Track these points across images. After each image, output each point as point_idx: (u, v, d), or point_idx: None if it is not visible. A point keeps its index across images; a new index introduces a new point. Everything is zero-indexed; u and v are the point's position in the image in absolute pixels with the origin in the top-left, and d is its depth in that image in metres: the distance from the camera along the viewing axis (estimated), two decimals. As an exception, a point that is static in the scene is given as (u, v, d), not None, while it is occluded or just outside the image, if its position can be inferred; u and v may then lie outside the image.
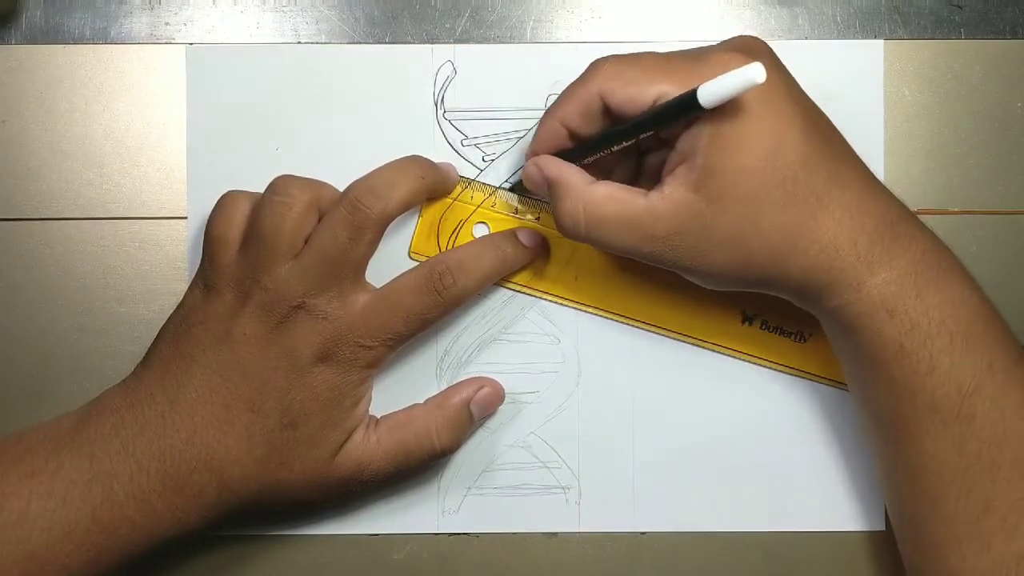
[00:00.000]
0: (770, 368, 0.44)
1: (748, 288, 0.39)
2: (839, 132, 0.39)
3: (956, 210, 0.45)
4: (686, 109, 0.36)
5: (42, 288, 0.45)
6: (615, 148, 0.39)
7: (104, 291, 0.45)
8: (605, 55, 0.39)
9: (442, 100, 0.45)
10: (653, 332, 0.45)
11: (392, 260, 0.44)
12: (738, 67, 0.34)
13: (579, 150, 0.40)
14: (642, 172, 0.42)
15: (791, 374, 0.44)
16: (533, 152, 0.41)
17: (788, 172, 0.36)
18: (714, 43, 0.39)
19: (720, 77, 0.34)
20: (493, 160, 0.45)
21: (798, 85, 0.39)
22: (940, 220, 0.45)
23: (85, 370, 0.45)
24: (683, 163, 0.37)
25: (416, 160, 0.42)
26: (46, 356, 0.45)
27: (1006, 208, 0.45)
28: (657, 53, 0.39)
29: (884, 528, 0.44)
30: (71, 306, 0.45)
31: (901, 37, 0.45)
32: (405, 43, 0.45)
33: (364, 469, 0.41)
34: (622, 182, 0.39)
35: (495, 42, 0.45)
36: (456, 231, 0.44)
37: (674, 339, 0.45)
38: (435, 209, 0.44)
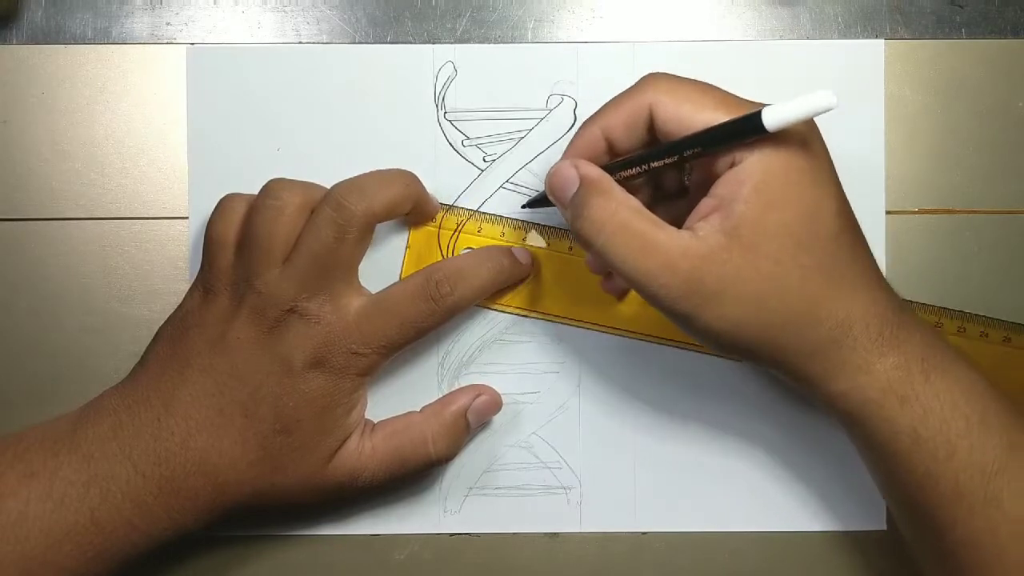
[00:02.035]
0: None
1: (748, 358, 0.38)
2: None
3: (956, 210, 0.45)
4: (748, 130, 0.35)
5: (43, 288, 0.45)
6: (655, 164, 0.38)
7: (105, 291, 0.45)
8: (657, 71, 0.38)
9: (443, 100, 0.45)
10: (655, 344, 0.45)
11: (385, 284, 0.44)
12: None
13: (614, 165, 0.39)
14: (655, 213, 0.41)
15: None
16: (567, 158, 0.40)
17: (820, 239, 0.36)
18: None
19: (790, 101, 0.34)
20: (494, 160, 0.45)
21: (834, 167, 0.38)
22: (940, 220, 0.45)
23: (86, 370, 0.44)
24: (718, 210, 0.36)
25: (402, 170, 0.42)
26: (47, 356, 0.45)
27: (1006, 208, 0.45)
28: (711, 85, 0.38)
29: (884, 528, 0.44)
30: (72, 306, 0.45)
31: (902, 37, 0.45)
32: (406, 43, 0.45)
33: (359, 476, 0.41)
34: None
35: (496, 42, 0.45)
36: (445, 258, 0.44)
37: (675, 348, 0.45)
38: (422, 238, 0.44)
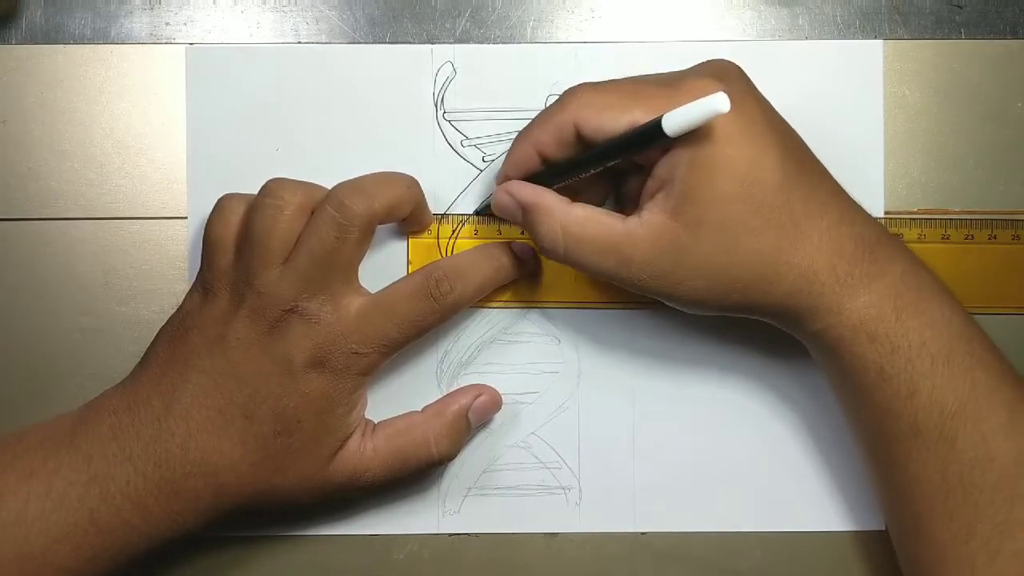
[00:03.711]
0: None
1: (729, 313, 0.39)
2: (814, 155, 0.39)
3: (956, 210, 0.45)
4: (653, 137, 0.36)
5: (42, 288, 0.45)
6: (585, 174, 0.39)
7: (104, 291, 0.45)
8: (579, 83, 0.39)
9: (442, 100, 0.45)
10: (664, 312, 0.45)
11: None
12: (706, 95, 0.34)
13: (550, 174, 0.40)
14: (620, 196, 0.42)
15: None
16: (504, 176, 0.41)
17: (764, 198, 0.37)
18: (689, 67, 0.39)
19: (684, 107, 0.35)
20: (493, 160, 0.45)
21: (773, 109, 0.39)
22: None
23: (85, 370, 0.45)
24: (661, 190, 0.37)
25: (403, 174, 0.42)
26: (46, 356, 0.45)
27: (1005, 208, 0.45)
28: (633, 79, 0.39)
29: (884, 528, 0.44)
30: (71, 306, 0.45)
31: (901, 37, 0.45)
32: (405, 43, 0.45)
33: (360, 476, 0.41)
34: (592, 204, 0.40)
35: (495, 42, 0.45)
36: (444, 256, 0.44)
37: (674, 348, 0.45)
38: (423, 248, 0.44)
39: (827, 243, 0.37)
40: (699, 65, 0.39)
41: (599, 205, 0.40)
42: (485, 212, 0.44)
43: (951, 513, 0.37)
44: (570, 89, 0.39)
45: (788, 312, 0.38)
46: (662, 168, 0.37)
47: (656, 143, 0.36)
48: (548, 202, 0.39)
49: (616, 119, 0.37)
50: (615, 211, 0.39)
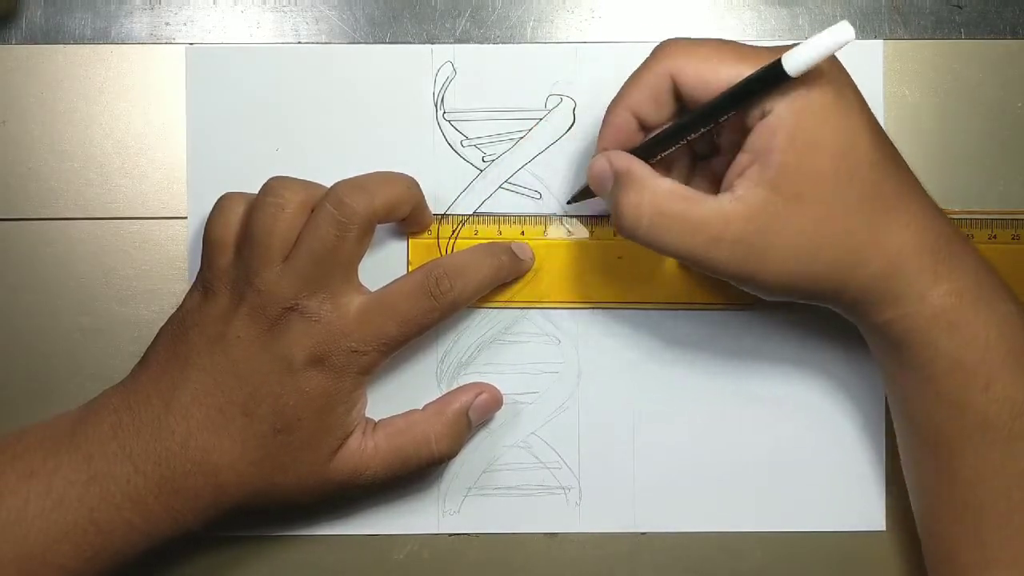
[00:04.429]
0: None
1: (803, 299, 0.38)
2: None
3: (956, 210, 0.45)
4: (773, 80, 0.35)
5: (42, 288, 0.45)
6: (692, 136, 0.37)
7: (104, 291, 0.45)
8: (670, 37, 0.38)
9: (442, 100, 0.45)
10: (664, 310, 0.45)
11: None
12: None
13: (650, 144, 0.39)
14: (693, 181, 0.41)
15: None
16: (602, 148, 0.40)
17: (860, 173, 0.36)
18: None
19: (808, 41, 0.34)
20: (493, 160, 0.45)
21: (863, 98, 0.38)
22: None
23: (85, 370, 0.45)
24: (755, 163, 0.36)
25: (403, 174, 0.42)
26: (46, 356, 0.45)
27: (1006, 208, 0.45)
28: (725, 40, 0.38)
29: (884, 528, 0.44)
30: (71, 306, 0.45)
31: (901, 37, 0.45)
32: (405, 43, 0.45)
33: (360, 475, 0.41)
34: None
35: (495, 42, 0.45)
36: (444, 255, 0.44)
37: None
38: (423, 249, 0.44)
39: (915, 229, 0.37)
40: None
41: None
42: (581, 199, 0.43)
43: (1009, 512, 0.37)
44: (662, 42, 0.38)
45: (867, 297, 0.37)
46: (757, 140, 0.36)
47: (772, 87, 0.35)
48: (637, 171, 0.38)
49: (717, 71, 0.36)
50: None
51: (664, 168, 0.39)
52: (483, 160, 0.45)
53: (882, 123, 0.44)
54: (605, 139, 0.40)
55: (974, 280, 0.37)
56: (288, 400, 0.39)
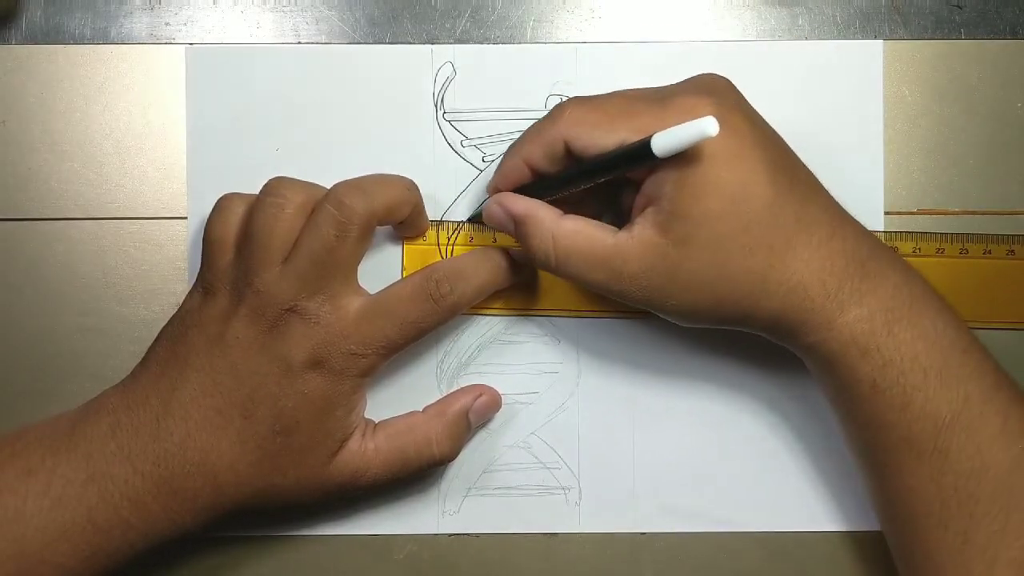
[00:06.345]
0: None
1: (721, 326, 0.39)
2: (806, 168, 0.39)
3: (956, 210, 0.45)
4: (642, 157, 0.36)
5: (42, 288, 0.45)
6: (574, 189, 0.39)
7: (104, 291, 0.45)
8: (569, 98, 0.40)
9: (442, 101, 0.45)
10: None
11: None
12: (697, 116, 0.35)
13: (540, 187, 0.41)
14: (618, 208, 0.42)
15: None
16: (495, 187, 0.42)
17: (753, 216, 0.37)
18: (679, 81, 0.40)
19: (672, 129, 0.35)
20: (493, 161, 0.45)
21: (763, 123, 0.39)
22: (940, 220, 0.45)
23: (85, 370, 0.45)
24: (650, 205, 0.38)
25: (402, 176, 0.42)
26: (46, 356, 0.45)
27: (1006, 208, 0.45)
28: (623, 94, 0.39)
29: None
30: (71, 306, 0.45)
31: (901, 37, 0.45)
32: (405, 43, 0.45)
33: (360, 476, 0.41)
34: (593, 215, 0.40)
35: (495, 42, 0.45)
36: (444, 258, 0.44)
37: (674, 350, 0.45)
38: (418, 254, 0.44)
39: (817, 259, 0.37)
40: (689, 80, 0.39)
41: (596, 217, 0.40)
42: (477, 220, 0.44)
43: (946, 523, 0.37)
44: (560, 104, 0.40)
45: (779, 327, 0.39)
46: (650, 185, 0.37)
47: (645, 163, 0.36)
48: (539, 214, 0.39)
49: (605, 136, 0.38)
50: (613, 223, 0.39)
51: (585, 194, 0.40)
52: (483, 160, 0.45)
53: (882, 123, 0.45)
54: (498, 180, 0.42)
55: (892, 301, 0.38)
56: (287, 402, 0.39)
